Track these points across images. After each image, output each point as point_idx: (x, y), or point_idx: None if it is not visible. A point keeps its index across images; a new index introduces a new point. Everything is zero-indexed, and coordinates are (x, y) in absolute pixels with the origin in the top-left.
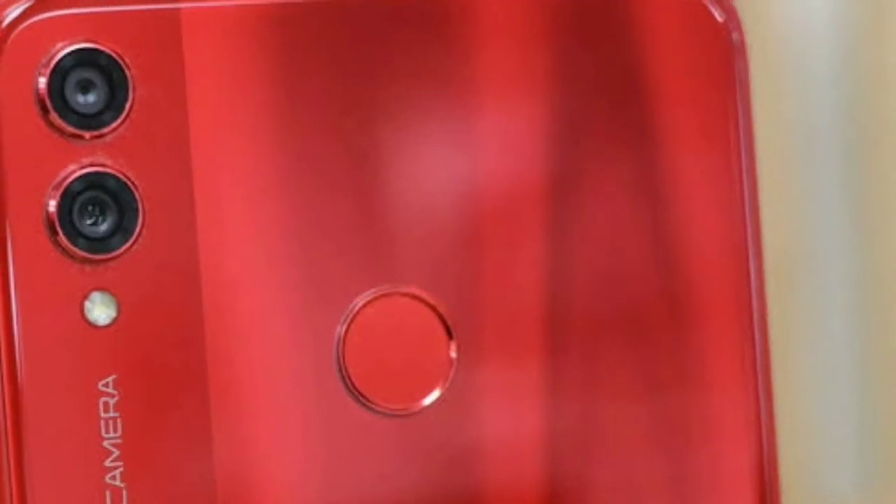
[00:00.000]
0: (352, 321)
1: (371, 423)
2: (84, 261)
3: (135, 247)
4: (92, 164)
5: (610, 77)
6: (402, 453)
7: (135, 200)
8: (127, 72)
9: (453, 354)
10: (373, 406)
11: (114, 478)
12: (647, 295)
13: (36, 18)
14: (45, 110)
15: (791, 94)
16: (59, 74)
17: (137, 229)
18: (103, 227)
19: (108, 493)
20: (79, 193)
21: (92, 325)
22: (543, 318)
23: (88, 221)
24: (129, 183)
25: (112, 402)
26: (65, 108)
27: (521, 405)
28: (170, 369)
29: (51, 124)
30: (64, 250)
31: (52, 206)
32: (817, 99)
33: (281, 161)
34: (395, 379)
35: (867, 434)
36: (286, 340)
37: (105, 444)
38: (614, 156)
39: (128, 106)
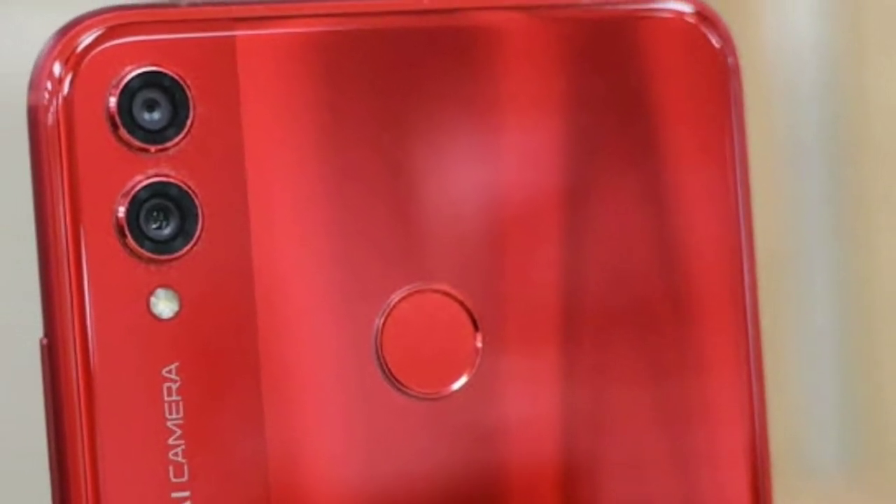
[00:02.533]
0: (388, 314)
1: (405, 406)
2: (150, 261)
3: (195, 248)
4: (157, 175)
5: (619, 98)
6: (433, 432)
7: (195, 207)
8: (188, 92)
9: (479, 344)
10: (407, 390)
11: (176, 454)
12: (652, 291)
13: (107, 45)
14: (114, 126)
15: (780, 112)
16: (128, 94)
17: (197, 232)
18: (167, 231)
19: (171, 468)
20: (145, 201)
21: (157, 318)
22: (559, 312)
23: (154, 226)
24: (189, 191)
25: (175, 386)
26: (132, 125)
27: (540, 389)
28: (226, 357)
29: (120, 139)
30: (132, 251)
31: (122, 212)
32: (803, 117)
33: (325, 172)
34: (427, 366)
35: (848, 415)
36: (330, 331)
37: (169, 424)
38: (623, 168)
39: (189, 123)
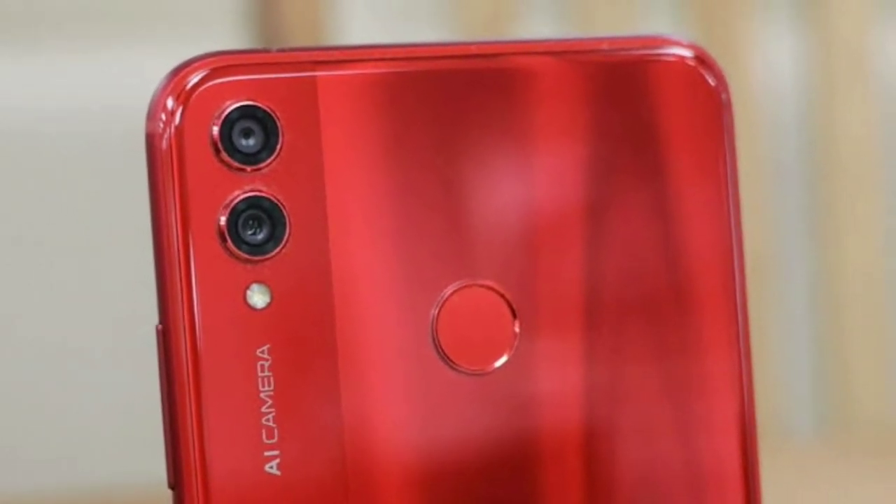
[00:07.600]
0: (443, 305)
1: (456, 381)
2: (246, 261)
3: (283, 250)
4: (252, 190)
5: (631, 127)
6: (479, 402)
7: (284, 216)
8: (278, 122)
9: (517, 330)
10: (457, 368)
11: (268, 420)
12: (659, 286)
13: (211, 83)
14: (217, 151)
15: (765, 139)
16: (228, 124)
17: (286, 237)
18: (260, 236)
19: (263, 432)
20: (242, 211)
21: (252, 308)
22: (582, 303)
23: (249, 232)
24: (279, 203)
25: (267, 364)
26: (231, 149)
27: (566, 367)
28: (309, 340)
29: (221, 161)
30: (231, 253)
31: (223, 220)
32: (784, 143)
33: (391, 187)
34: (474, 347)
35: (821, 388)
36: (394, 319)
37: (261, 395)
38: (634, 185)
39: (278, 147)
